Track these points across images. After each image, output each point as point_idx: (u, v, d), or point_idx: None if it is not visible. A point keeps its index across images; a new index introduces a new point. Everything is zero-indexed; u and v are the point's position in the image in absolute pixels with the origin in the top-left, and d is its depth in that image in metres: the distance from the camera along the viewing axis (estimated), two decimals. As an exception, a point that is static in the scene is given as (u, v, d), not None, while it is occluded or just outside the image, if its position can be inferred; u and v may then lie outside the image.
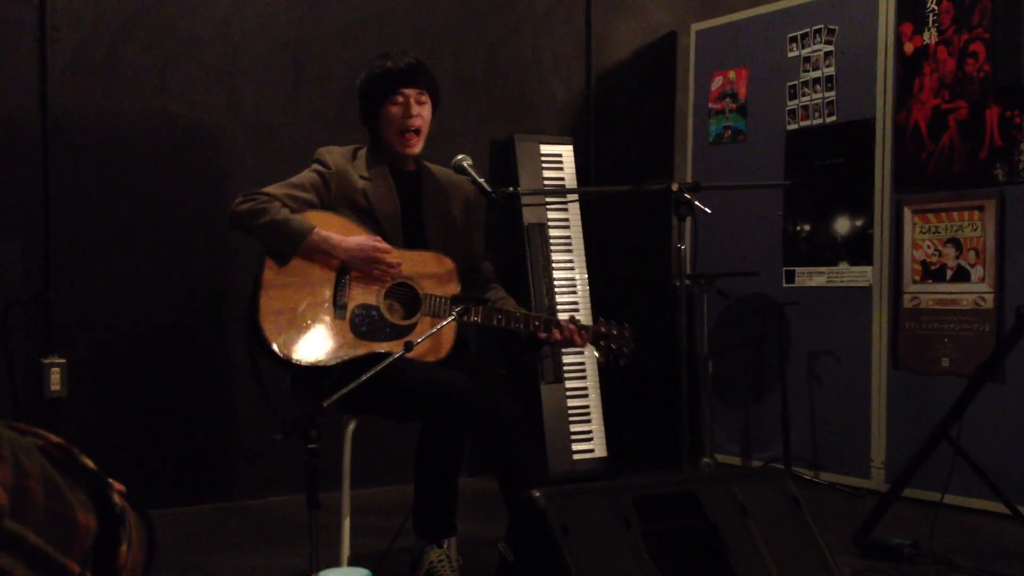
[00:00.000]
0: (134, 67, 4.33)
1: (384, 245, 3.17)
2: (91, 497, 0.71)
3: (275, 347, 3.07)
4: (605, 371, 4.90)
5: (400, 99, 3.26)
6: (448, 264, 3.25)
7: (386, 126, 3.29)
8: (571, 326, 3.20)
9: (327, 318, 3.13)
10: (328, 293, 3.15)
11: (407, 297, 3.20)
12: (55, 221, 4.17)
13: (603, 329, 3.27)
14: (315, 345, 3.10)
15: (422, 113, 3.29)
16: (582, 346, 3.30)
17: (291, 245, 3.11)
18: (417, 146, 3.32)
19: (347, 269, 3.17)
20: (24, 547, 0.63)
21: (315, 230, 3.12)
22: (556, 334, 3.19)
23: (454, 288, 3.23)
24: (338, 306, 3.15)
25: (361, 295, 3.17)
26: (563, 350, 4.73)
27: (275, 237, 3.11)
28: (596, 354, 3.34)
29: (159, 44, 4.38)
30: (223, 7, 4.50)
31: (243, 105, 4.54)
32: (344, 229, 3.19)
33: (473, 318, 3.13)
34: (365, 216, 3.24)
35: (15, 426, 0.67)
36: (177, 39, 4.41)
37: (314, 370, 3.09)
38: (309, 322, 3.12)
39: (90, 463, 0.73)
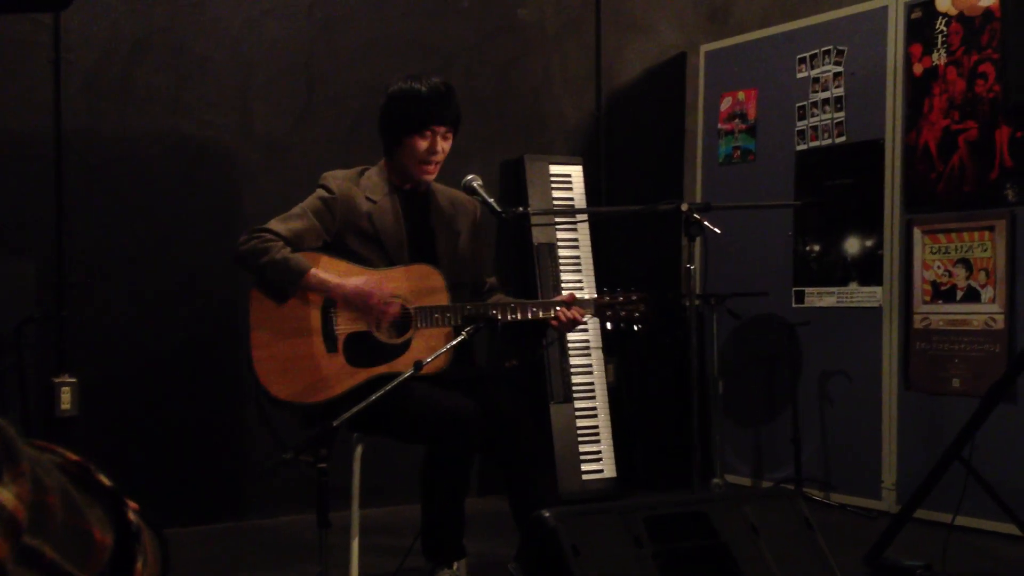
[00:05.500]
0: (147, 88, 4.36)
1: (382, 289, 3.13)
2: (108, 514, 0.72)
3: (273, 393, 3.08)
4: (618, 336, 4.80)
5: (428, 134, 3.25)
6: (431, 273, 3.22)
7: (408, 155, 3.27)
8: (568, 312, 3.19)
9: (320, 355, 3.12)
10: (317, 329, 3.14)
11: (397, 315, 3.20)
12: (68, 240, 4.19)
13: (607, 299, 3.27)
14: (314, 385, 3.10)
15: (444, 148, 3.29)
16: (585, 319, 3.27)
17: (289, 285, 3.12)
18: (433, 175, 3.33)
19: (332, 300, 3.15)
20: (42, 562, 0.63)
21: (311, 271, 3.11)
22: (561, 316, 3.19)
23: (441, 295, 3.20)
24: (329, 339, 3.14)
25: (350, 323, 3.15)
26: (569, 333, 4.70)
27: (274, 277, 3.11)
28: (608, 325, 3.32)
29: (172, 65, 4.41)
30: (236, 28, 4.53)
31: (256, 125, 4.57)
32: (344, 271, 3.18)
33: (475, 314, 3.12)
34: (370, 241, 3.23)
35: (33, 443, 0.68)
36: (190, 60, 4.44)
37: (319, 408, 3.09)
38: (303, 363, 3.11)
39: (107, 480, 0.73)
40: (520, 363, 4.84)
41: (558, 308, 3.20)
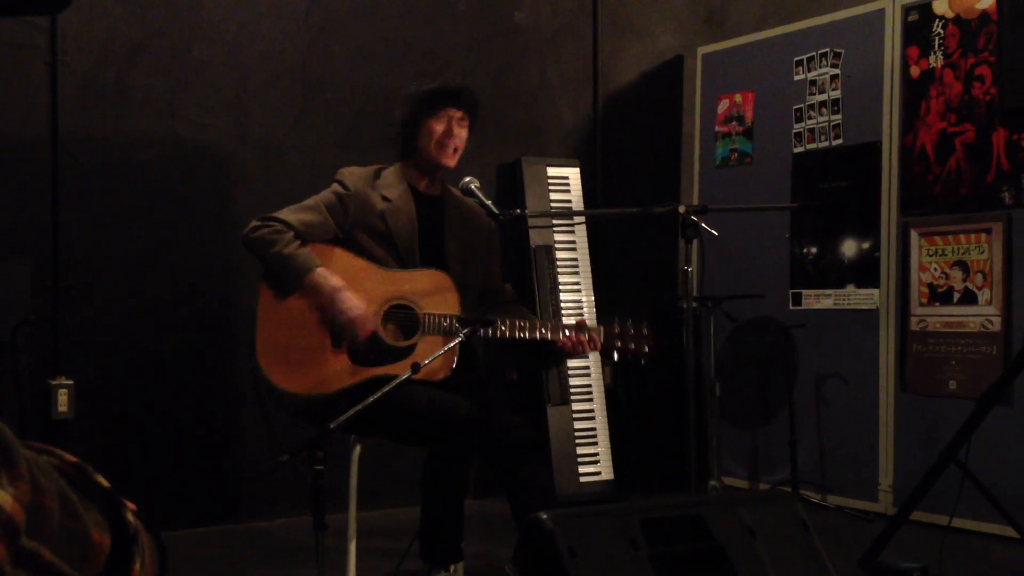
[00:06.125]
0: (143, 91, 4.36)
1: (368, 326, 3.12)
2: (105, 516, 0.72)
3: (273, 381, 3.07)
4: (621, 364, 4.80)
5: (443, 116, 3.28)
6: (446, 281, 3.21)
7: (425, 140, 3.29)
8: (577, 335, 3.18)
9: (325, 348, 3.12)
10: (325, 323, 3.14)
11: (405, 318, 3.18)
12: (64, 243, 4.19)
13: (617, 330, 3.25)
14: (313, 376, 3.09)
15: (461, 134, 3.32)
16: (593, 350, 3.25)
17: (294, 281, 3.12)
18: (453, 160, 3.33)
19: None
20: (40, 564, 0.63)
21: (317, 271, 3.11)
22: (566, 342, 3.18)
23: (453, 304, 3.19)
24: (336, 335, 3.14)
25: None
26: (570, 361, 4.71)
27: (280, 270, 3.12)
28: (614, 355, 3.30)
29: (168, 68, 4.41)
30: (232, 32, 4.53)
31: (252, 128, 4.57)
32: (352, 267, 3.18)
33: (480, 332, 3.11)
34: (382, 239, 3.23)
35: (31, 445, 0.68)
36: (186, 63, 4.44)
37: (316, 402, 3.08)
38: (306, 354, 3.11)
39: (104, 482, 0.74)
40: (520, 377, 4.84)
41: (567, 332, 3.19)
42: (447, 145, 3.28)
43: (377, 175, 3.33)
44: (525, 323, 3.18)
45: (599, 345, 3.23)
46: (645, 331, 3.26)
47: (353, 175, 3.30)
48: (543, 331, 3.19)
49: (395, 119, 3.38)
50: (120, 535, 0.72)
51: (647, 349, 3.25)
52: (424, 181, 3.35)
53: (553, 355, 3.35)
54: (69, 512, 0.66)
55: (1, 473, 0.60)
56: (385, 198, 3.27)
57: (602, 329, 3.25)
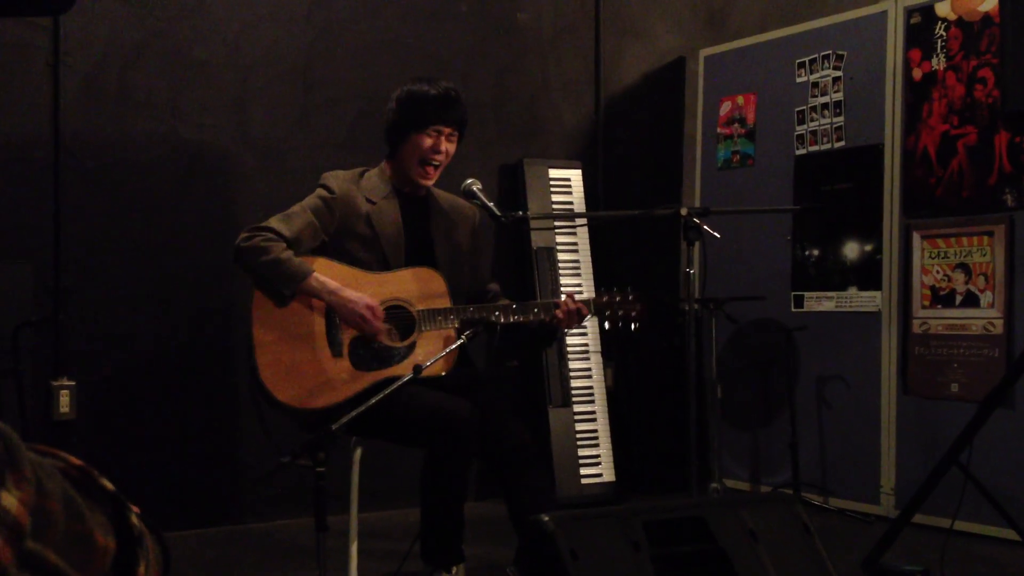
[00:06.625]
0: (145, 92, 4.36)
1: (376, 309, 3.15)
2: (110, 518, 0.72)
3: (284, 401, 3.08)
4: (614, 336, 4.87)
5: (433, 133, 3.27)
6: (435, 277, 3.23)
7: (410, 152, 3.28)
8: (570, 303, 3.25)
9: (326, 359, 3.13)
10: (321, 333, 3.14)
11: (401, 317, 3.19)
12: (66, 244, 4.19)
13: (605, 299, 3.35)
14: (320, 389, 3.10)
15: (448, 150, 3.31)
16: (587, 316, 3.35)
17: (288, 288, 3.12)
18: (433, 179, 3.33)
19: None
20: (45, 567, 0.63)
21: (312, 275, 3.12)
22: (559, 314, 3.23)
23: (445, 300, 3.21)
24: (334, 344, 3.14)
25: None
26: (569, 331, 4.77)
27: (274, 278, 3.11)
28: (606, 324, 3.40)
29: (170, 69, 4.41)
30: (233, 32, 4.53)
31: (253, 129, 4.57)
32: (339, 275, 3.18)
33: (476, 317, 3.14)
34: (368, 243, 3.24)
35: (36, 448, 0.68)
36: (188, 64, 4.44)
37: (325, 413, 3.08)
38: (310, 368, 3.11)
39: (109, 485, 0.74)
40: (521, 364, 4.85)
41: (562, 300, 3.27)
42: (430, 161, 3.28)
43: (361, 177, 3.34)
44: (517, 306, 3.25)
45: (586, 313, 3.33)
46: (631, 297, 3.36)
47: (337, 178, 3.31)
48: (536, 311, 3.26)
49: (385, 115, 3.37)
50: (125, 538, 0.73)
51: (635, 313, 3.35)
52: (407, 187, 3.36)
53: (549, 333, 3.41)
54: (74, 515, 0.66)
55: (6, 476, 0.60)
56: (369, 200, 3.28)
57: (592, 302, 3.35)
